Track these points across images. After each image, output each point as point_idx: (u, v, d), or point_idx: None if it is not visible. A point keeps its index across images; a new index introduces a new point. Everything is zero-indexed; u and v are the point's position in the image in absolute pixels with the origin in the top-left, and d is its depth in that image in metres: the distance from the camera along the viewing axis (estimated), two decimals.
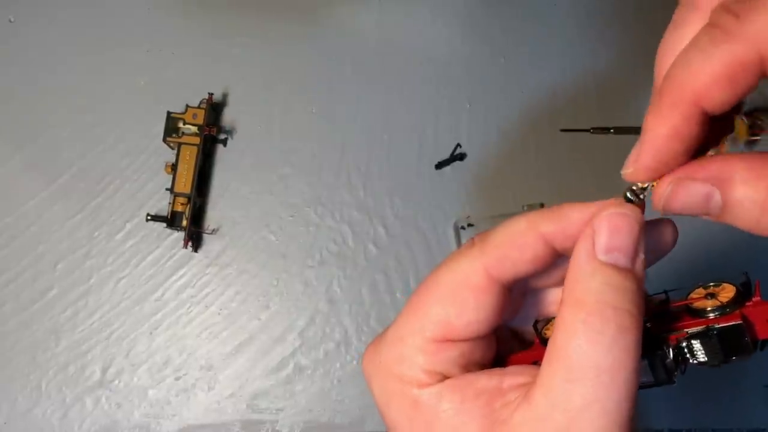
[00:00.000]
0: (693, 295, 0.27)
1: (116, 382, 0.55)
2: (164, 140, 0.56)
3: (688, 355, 0.26)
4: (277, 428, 0.55)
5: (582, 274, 0.24)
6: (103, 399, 0.54)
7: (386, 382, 0.27)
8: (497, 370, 0.26)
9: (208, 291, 0.57)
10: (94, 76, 0.59)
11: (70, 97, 0.59)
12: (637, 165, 0.24)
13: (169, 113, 0.56)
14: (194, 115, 0.56)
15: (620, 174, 0.25)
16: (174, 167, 0.56)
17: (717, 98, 0.22)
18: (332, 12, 0.62)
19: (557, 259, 0.27)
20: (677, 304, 0.27)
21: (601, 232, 0.25)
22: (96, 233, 0.57)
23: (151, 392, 0.55)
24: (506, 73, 0.61)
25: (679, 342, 0.26)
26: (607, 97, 0.60)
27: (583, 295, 0.24)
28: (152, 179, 0.58)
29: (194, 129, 0.56)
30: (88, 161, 0.58)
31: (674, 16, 0.25)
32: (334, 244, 0.57)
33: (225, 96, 0.59)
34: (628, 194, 0.26)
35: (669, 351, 0.26)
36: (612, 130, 0.58)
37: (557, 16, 0.62)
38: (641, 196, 0.26)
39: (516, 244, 0.26)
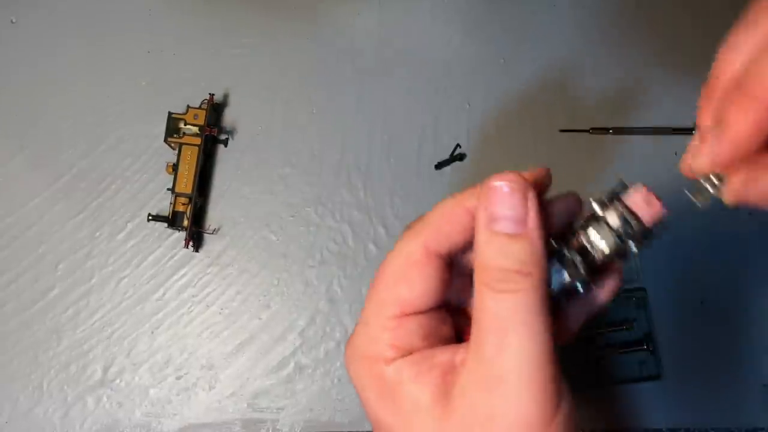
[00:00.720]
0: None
1: (117, 381, 0.55)
2: (165, 141, 0.56)
3: (589, 248, 0.29)
4: (277, 427, 0.55)
5: (479, 243, 0.28)
6: (105, 398, 0.55)
7: (359, 365, 0.30)
8: (452, 346, 0.29)
9: (209, 290, 0.57)
10: (95, 76, 0.60)
11: (71, 98, 0.59)
12: (715, 157, 0.26)
13: (170, 114, 0.56)
14: (195, 116, 0.56)
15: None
16: (175, 167, 0.56)
17: None
18: (332, 11, 0.62)
19: None
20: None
21: (485, 205, 0.28)
22: (97, 233, 0.57)
23: (152, 391, 0.55)
24: (506, 73, 0.61)
25: (580, 241, 0.30)
26: (606, 97, 0.60)
27: (482, 262, 0.27)
28: (153, 179, 0.58)
29: (195, 129, 0.56)
30: (89, 162, 0.58)
31: (748, 17, 0.26)
32: (335, 244, 0.57)
33: (226, 96, 0.60)
34: (705, 184, 0.28)
35: (574, 253, 0.29)
36: (611, 131, 0.58)
37: (557, 16, 0.62)
38: (715, 185, 0.27)
39: (447, 219, 0.30)
